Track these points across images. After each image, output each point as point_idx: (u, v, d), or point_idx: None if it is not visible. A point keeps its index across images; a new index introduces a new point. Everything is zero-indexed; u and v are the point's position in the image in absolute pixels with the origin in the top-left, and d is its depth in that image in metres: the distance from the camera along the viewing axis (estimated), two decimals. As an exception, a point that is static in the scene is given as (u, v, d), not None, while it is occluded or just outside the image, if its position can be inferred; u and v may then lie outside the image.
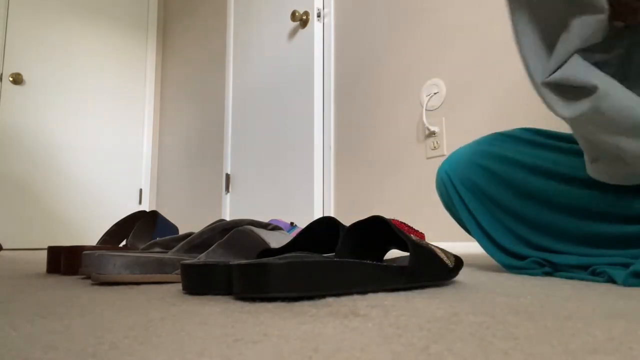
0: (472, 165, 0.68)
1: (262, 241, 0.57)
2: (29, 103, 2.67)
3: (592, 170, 0.55)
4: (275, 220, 0.97)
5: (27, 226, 2.61)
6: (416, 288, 0.47)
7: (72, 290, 0.48)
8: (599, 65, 0.50)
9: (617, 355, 0.21)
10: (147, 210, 2.55)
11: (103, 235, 0.86)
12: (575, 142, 0.64)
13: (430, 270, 0.47)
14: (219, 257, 0.54)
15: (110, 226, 2.62)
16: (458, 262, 0.52)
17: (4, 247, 2.51)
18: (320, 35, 1.88)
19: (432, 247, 0.49)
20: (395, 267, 0.44)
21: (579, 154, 0.62)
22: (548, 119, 1.19)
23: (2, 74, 2.60)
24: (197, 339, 0.25)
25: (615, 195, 0.57)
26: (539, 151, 0.65)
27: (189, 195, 2.78)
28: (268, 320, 0.30)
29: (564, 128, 1.16)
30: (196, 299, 0.41)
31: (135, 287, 0.51)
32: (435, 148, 1.43)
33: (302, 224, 1.83)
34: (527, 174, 0.63)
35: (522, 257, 0.64)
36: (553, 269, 0.61)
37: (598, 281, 0.54)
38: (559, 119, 1.19)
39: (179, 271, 0.55)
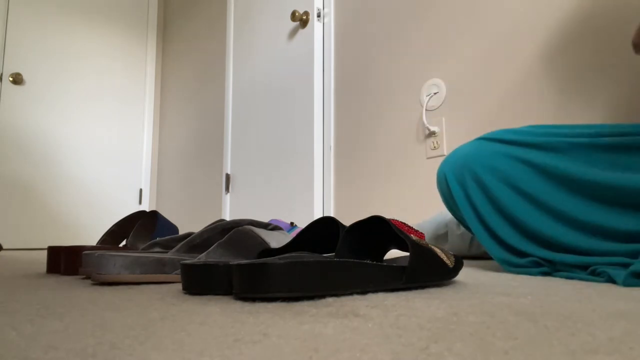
0: (482, 149, 0.67)
1: (262, 241, 0.57)
2: (29, 103, 2.67)
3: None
4: (275, 220, 0.97)
5: (27, 226, 2.61)
6: (416, 288, 0.47)
7: (72, 290, 0.48)
8: None
9: (617, 355, 0.21)
10: (147, 210, 2.55)
11: (103, 235, 0.86)
12: (582, 142, 0.63)
13: (430, 270, 0.47)
14: (219, 257, 0.54)
15: (110, 226, 2.62)
16: (458, 262, 0.52)
17: (4, 247, 2.51)
18: (320, 35, 1.88)
19: (432, 247, 0.49)
20: (395, 267, 0.44)
21: (586, 152, 0.62)
22: (549, 120, 1.19)
23: (2, 74, 2.60)
24: (197, 339, 0.25)
25: (618, 213, 0.57)
26: (544, 151, 0.64)
27: (189, 195, 2.78)
28: (268, 320, 0.30)
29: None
30: (196, 299, 0.41)
31: (135, 287, 0.51)
32: (435, 148, 1.43)
33: (302, 224, 1.83)
34: (530, 174, 0.63)
35: (524, 254, 0.64)
36: (552, 269, 0.61)
37: (598, 281, 0.54)
38: (561, 119, 1.19)
39: (179, 271, 0.55)
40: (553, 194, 0.61)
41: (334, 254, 0.50)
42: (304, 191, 1.85)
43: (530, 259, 0.63)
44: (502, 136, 0.68)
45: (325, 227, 0.53)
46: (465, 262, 0.93)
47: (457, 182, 0.69)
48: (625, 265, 0.53)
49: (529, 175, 0.64)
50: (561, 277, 0.59)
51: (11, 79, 2.60)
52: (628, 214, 0.56)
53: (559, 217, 0.61)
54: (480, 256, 0.99)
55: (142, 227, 0.84)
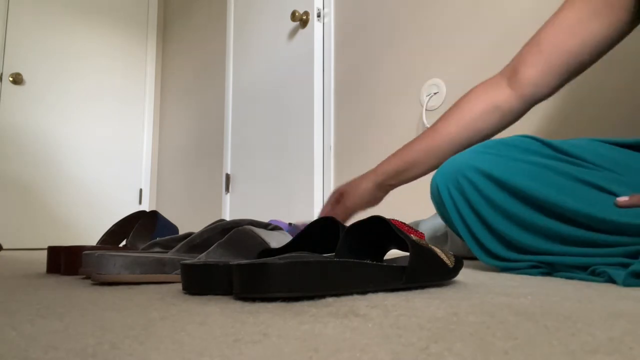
0: (468, 167, 0.68)
1: (262, 241, 0.57)
2: (29, 103, 2.67)
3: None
4: (274, 220, 0.97)
5: (27, 226, 2.61)
6: (416, 288, 0.47)
7: (72, 290, 0.48)
8: None
9: (617, 355, 0.21)
10: (147, 210, 2.55)
11: (103, 235, 0.86)
12: (575, 154, 0.64)
13: (430, 270, 0.47)
14: (219, 257, 0.54)
15: (110, 226, 2.62)
16: (458, 262, 0.52)
17: (4, 247, 2.51)
18: (320, 35, 1.88)
19: (432, 247, 0.49)
20: (395, 267, 0.44)
21: (576, 164, 0.62)
22: (546, 121, 1.19)
23: (2, 74, 2.60)
24: (197, 339, 0.25)
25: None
26: (536, 158, 0.64)
27: (189, 195, 2.78)
28: (268, 320, 0.30)
29: (563, 133, 1.16)
30: (196, 299, 0.41)
31: (135, 287, 0.51)
32: (435, 148, 1.43)
33: (302, 224, 1.83)
34: (523, 178, 0.63)
35: (519, 261, 0.64)
36: (551, 270, 0.61)
37: (598, 281, 0.54)
38: (556, 122, 1.19)
39: (179, 271, 0.55)
40: (529, 213, 0.62)
41: (334, 254, 0.50)
42: (304, 191, 1.85)
43: (527, 263, 0.63)
44: (491, 146, 0.68)
45: (325, 227, 0.53)
46: (465, 262, 0.93)
47: (447, 193, 0.70)
48: (625, 265, 0.53)
49: (501, 194, 0.64)
50: (561, 277, 0.59)
51: (11, 79, 2.60)
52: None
53: (542, 233, 0.61)
54: None
55: (142, 227, 0.84)
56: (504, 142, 0.68)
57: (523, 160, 0.64)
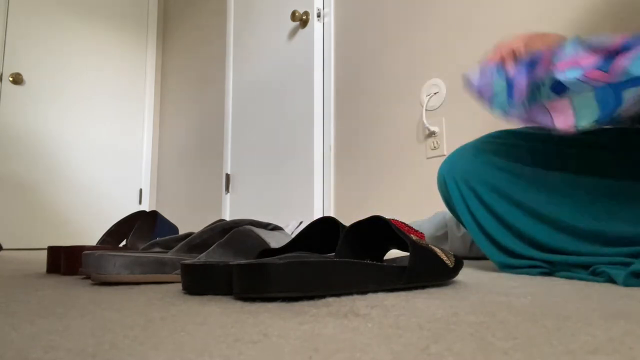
0: (476, 161, 0.68)
1: (262, 241, 0.57)
2: (29, 103, 2.67)
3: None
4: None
5: (27, 226, 2.61)
6: (416, 288, 0.47)
7: (72, 290, 0.48)
8: None
9: (617, 355, 0.21)
10: (147, 210, 2.55)
11: (103, 235, 0.86)
12: (583, 140, 0.64)
13: (430, 270, 0.47)
14: (219, 257, 0.54)
15: (110, 226, 2.62)
16: (458, 262, 0.52)
17: (4, 247, 2.51)
18: (320, 35, 1.88)
19: (432, 247, 0.49)
20: (395, 267, 0.44)
21: (590, 148, 0.62)
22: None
23: (2, 74, 2.60)
24: (197, 339, 0.25)
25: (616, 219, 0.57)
26: (546, 146, 0.65)
27: (189, 195, 2.78)
28: (268, 320, 0.30)
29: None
30: (196, 299, 0.41)
31: (135, 287, 0.51)
32: (435, 148, 1.43)
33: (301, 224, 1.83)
34: (533, 167, 0.64)
35: (522, 257, 0.64)
36: (552, 270, 0.61)
37: (598, 281, 0.54)
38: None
39: (179, 271, 0.55)
40: (545, 203, 0.62)
41: (334, 254, 0.50)
42: (304, 191, 1.85)
43: (528, 262, 0.63)
44: (499, 136, 0.69)
45: (325, 227, 0.53)
46: (465, 262, 0.93)
47: (455, 187, 0.70)
48: (626, 265, 0.53)
49: (517, 185, 0.64)
50: (561, 277, 0.59)
51: (11, 79, 2.60)
52: (625, 219, 0.56)
53: (554, 225, 0.61)
54: (480, 257, 0.99)
55: (142, 227, 0.84)
56: (512, 132, 0.68)
57: (528, 149, 0.65)
